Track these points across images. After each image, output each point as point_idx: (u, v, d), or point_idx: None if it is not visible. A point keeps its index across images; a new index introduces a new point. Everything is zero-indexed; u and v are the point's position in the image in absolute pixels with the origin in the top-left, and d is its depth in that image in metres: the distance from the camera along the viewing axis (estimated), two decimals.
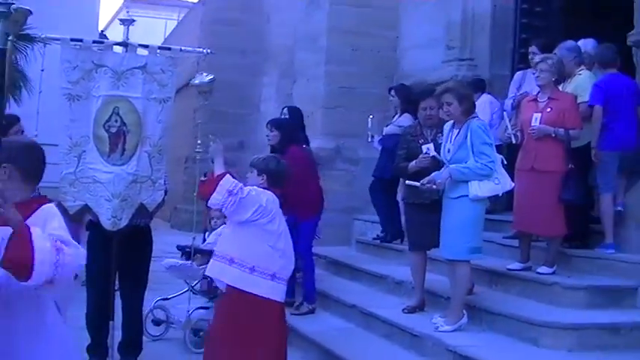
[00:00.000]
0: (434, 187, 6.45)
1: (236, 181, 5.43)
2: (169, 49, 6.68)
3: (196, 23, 20.09)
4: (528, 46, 9.77)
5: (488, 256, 7.80)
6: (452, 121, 6.57)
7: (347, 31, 12.16)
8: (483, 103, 9.77)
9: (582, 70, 7.59)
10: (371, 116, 9.98)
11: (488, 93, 10.08)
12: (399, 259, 9.07)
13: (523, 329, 6.19)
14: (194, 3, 21.33)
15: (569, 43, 7.71)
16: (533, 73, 7.49)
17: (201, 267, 7.12)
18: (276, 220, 5.56)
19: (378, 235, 9.92)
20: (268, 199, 5.51)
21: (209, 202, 5.54)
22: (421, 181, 6.52)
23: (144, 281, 6.89)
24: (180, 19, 27.98)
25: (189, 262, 7.42)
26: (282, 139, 8.14)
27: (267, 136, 8.37)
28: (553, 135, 6.91)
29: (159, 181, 6.44)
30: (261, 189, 5.56)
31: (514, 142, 7.23)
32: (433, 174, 6.48)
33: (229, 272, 5.45)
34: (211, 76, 6.56)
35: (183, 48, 6.72)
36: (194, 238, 7.29)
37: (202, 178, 6.56)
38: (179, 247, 7.92)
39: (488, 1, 10.06)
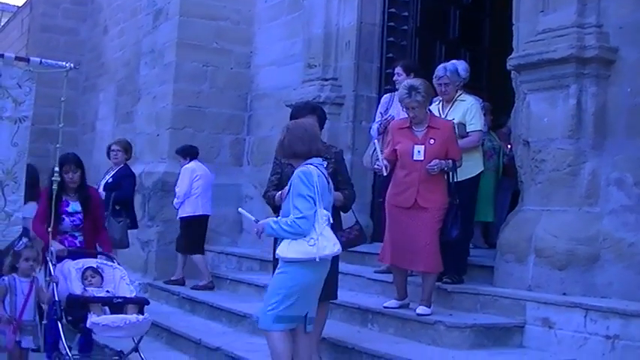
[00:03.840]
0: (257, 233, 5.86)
1: None
2: (28, 60, 6.17)
3: (22, 30, 19.18)
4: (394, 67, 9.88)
5: (360, 293, 7.71)
6: None
7: (197, 45, 11.88)
8: (185, 170, 10.22)
9: (462, 95, 7.59)
10: None
11: (199, 161, 10.47)
12: (260, 295, 8.81)
13: None
14: (19, 7, 20.25)
15: (453, 65, 7.67)
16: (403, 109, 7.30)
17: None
18: None
19: None
20: None
21: None
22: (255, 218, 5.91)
23: None
24: (2, 23, 26.66)
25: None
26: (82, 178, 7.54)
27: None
28: (446, 169, 6.81)
29: (15, 214, 5.94)
30: None
31: (385, 174, 6.92)
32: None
33: None
34: None
35: (43, 60, 6.23)
36: None
37: None
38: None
39: (354, 16, 9.94)
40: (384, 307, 7.08)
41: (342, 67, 10.13)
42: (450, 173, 6.87)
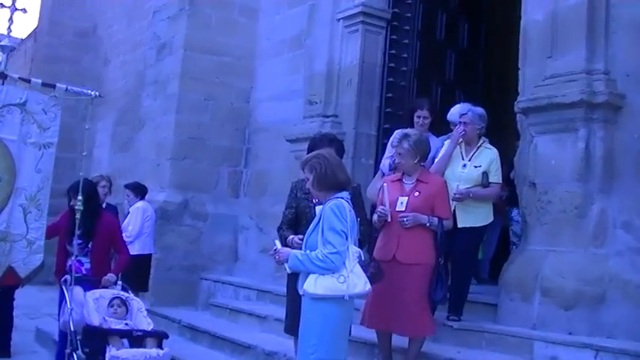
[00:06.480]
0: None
1: None
2: (54, 86, 5.89)
3: (26, 59, 18.83)
4: (392, 105, 9.67)
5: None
6: None
7: (199, 78, 11.60)
8: (137, 209, 10.00)
9: (486, 143, 7.27)
10: None
11: (147, 200, 10.33)
12: (262, 326, 8.53)
13: None
14: (23, 39, 19.95)
15: (480, 109, 7.33)
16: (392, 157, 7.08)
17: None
18: None
19: None
20: None
21: None
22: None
23: None
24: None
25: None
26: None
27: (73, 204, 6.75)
28: (427, 225, 6.26)
29: (37, 242, 5.58)
30: None
31: (389, 220, 6.32)
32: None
33: None
34: None
35: (69, 87, 5.95)
36: None
37: None
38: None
39: (356, 54, 9.69)
40: None
41: (343, 105, 9.85)
42: (437, 232, 6.28)
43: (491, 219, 7.24)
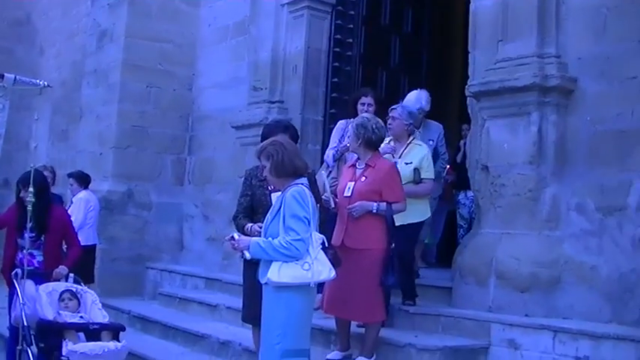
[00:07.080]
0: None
1: None
2: (2, 76, 5.64)
3: None
4: (338, 91, 9.59)
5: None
6: None
7: (141, 66, 11.37)
8: (80, 200, 9.71)
9: (416, 140, 7.12)
10: None
11: (90, 190, 9.99)
12: (213, 315, 8.39)
13: None
14: None
15: (410, 107, 7.24)
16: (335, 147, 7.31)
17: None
18: None
19: None
20: None
21: None
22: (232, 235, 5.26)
23: None
24: None
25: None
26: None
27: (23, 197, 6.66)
28: (374, 211, 6.13)
29: None
30: None
31: (332, 206, 6.25)
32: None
33: None
34: None
35: (18, 77, 5.70)
36: None
37: None
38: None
39: (302, 41, 9.59)
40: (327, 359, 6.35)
41: (288, 90, 9.76)
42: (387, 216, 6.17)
43: (428, 214, 7.14)
